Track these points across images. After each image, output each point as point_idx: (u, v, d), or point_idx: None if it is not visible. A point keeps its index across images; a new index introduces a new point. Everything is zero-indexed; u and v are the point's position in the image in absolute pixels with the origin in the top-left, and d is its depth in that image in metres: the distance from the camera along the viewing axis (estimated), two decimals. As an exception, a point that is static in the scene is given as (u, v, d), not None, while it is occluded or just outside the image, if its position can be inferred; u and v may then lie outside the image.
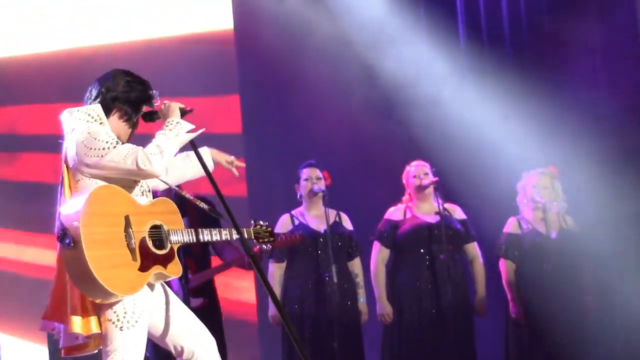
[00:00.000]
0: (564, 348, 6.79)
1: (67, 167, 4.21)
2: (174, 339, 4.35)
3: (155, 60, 7.99)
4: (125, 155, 4.09)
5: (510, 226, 7.09)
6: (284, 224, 6.96)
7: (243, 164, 4.70)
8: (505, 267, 7.02)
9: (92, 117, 4.25)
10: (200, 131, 4.26)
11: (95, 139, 4.14)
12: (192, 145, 4.29)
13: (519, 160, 7.61)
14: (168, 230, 4.24)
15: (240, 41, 8.61)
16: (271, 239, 4.62)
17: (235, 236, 4.45)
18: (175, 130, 4.18)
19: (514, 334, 6.98)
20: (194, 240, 4.33)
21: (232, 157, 4.63)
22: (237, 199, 7.72)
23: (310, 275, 6.88)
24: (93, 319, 4.10)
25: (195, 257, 6.63)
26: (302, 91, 8.32)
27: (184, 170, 4.54)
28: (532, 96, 8.12)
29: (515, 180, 7.19)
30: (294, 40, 8.31)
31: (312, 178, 6.93)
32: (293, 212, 7.04)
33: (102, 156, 4.10)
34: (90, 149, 4.12)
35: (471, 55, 8.29)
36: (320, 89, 8.28)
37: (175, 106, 4.28)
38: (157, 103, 4.35)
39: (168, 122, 4.22)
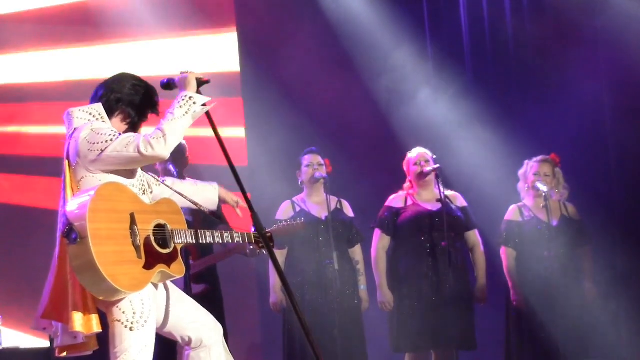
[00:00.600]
0: (564, 335, 6.78)
1: (69, 165, 4.20)
2: (180, 330, 4.35)
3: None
4: (127, 144, 4.08)
5: (512, 214, 7.08)
6: (285, 211, 6.96)
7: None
8: (506, 254, 7.02)
9: (94, 116, 4.24)
10: (213, 104, 4.22)
11: (98, 133, 4.13)
12: (209, 120, 4.23)
13: (520, 148, 7.63)
14: (172, 230, 4.24)
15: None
16: (271, 243, 4.58)
17: (236, 239, 4.48)
18: (186, 107, 4.13)
19: (515, 321, 6.98)
20: (197, 242, 4.34)
21: (237, 198, 4.62)
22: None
23: (311, 262, 6.87)
24: (94, 317, 4.07)
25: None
26: (304, 78, 8.33)
27: (188, 193, 4.55)
28: (535, 86, 8.13)
29: (517, 168, 7.20)
30: (296, 27, 8.33)
31: (313, 164, 6.93)
32: (294, 198, 7.04)
33: (105, 149, 4.09)
34: (94, 143, 4.11)
35: (474, 50, 8.30)
36: (322, 77, 8.30)
37: (192, 77, 4.22)
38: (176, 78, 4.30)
39: (180, 97, 4.17)
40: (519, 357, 6.96)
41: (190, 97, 4.16)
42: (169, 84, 4.33)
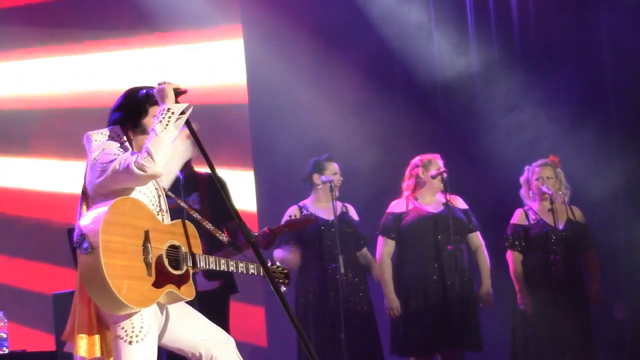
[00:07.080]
0: (570, 339, 6.79)
1: (85, 187, 4.20)
2: (191, 347, 4.34)
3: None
4: (120, 164, 4.06)
5: (517, 217, 7.08)
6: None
7: None
8: (512, 258, 7.02)
9: (113, 138, 4.23)
10: (191, 108, 4.19)
11: (107, 153, 4.13)
12: (189, 128, 4.21)
13: (523, 148, 7.62)
14: (186, 253, 4.24)
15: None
16: (286, 280, 4.61)
17: (251, 271, 4.47)
18: (165, 121, 4.11)
19: (521, 325, 6.98)
20: (212, 268, 4.34)
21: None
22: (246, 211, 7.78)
23: (317, 266, 6.90)
24: (97, 341, 4.09)
25: (206, 238, 6.27)
26: (313, 80, 8.33)
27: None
28: (538, 84, 8.12)
29: (519, 170, 7.19)
30: (307, 28, 8.33)
31: (338, 172, 6.94)
32: (301, 203, 7.04)
33: (107, 169, 4.09)
34: (103, 163, 4.11)
35: (479, 47, 8.29)
36: (330, 78, 8.30)
37: (169, 89, 4.19)
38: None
39: (158, 111, 4.16)
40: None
41: (168, 109, 4.15)
42: (147, 95, 4.29)
